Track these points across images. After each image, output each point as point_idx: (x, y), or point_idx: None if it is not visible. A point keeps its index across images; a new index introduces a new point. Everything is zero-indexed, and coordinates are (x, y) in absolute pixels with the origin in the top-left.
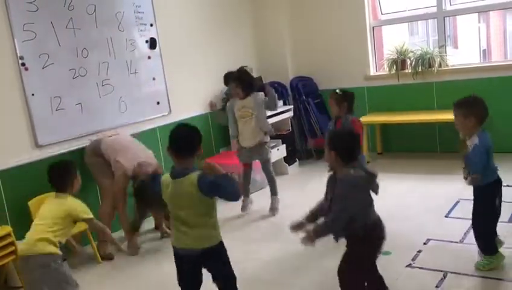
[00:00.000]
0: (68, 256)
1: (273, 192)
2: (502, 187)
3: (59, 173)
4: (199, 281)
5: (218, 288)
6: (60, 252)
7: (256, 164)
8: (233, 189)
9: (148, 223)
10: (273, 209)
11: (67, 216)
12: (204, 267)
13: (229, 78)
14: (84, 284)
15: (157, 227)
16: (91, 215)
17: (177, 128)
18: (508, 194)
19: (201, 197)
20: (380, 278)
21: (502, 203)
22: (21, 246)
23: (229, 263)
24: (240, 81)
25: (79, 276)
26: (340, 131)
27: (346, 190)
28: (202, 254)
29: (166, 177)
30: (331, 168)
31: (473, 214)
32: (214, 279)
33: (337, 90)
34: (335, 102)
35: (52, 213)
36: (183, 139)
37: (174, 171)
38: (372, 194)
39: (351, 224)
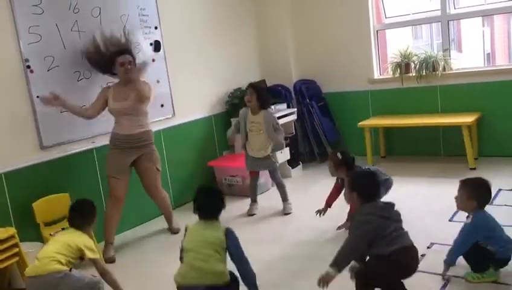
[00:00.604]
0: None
1: (284, 198)
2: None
3: (82, 214)
4: None
5: None
6: (66, 268)
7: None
8: (251, 274)
9: (155, 224)
10: (286, 210)
11: (78, 250)
12: None
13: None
14: None
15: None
16: (97, 256)
17: (202, 195)
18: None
19: (223, 244)
20: None
21: (506, 207)
22: (30, 266)
23: None
24: (257, 91)
25: None
26: (362, 173)
27: (354, 227)
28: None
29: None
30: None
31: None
32: None
33: (338, 154)
34: (333, 164)
35: (66, 240)
36: (210, 209)
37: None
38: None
39: (370, 250)
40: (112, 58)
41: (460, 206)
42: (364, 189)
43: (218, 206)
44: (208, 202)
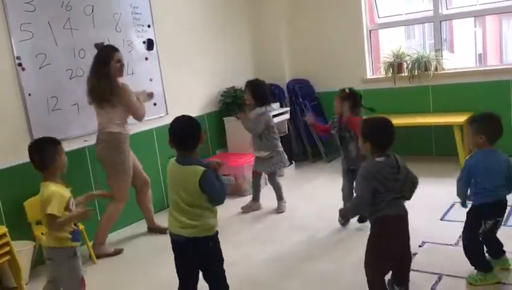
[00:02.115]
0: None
1: (279, 197)
2: (504, 211)
3: (40, 150)
4: (192, 274)
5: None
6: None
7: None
8: (222, 197)
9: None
10: (280, 208)
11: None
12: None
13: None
14: None
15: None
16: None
17: (178, 122)
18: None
19: (198, 188)
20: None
21: None
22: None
23: (221, 264)
24: (252, 89)
25: None
26: (377, 121)
27: (360, 175)
28: (188, 241)
29: (172, 161)
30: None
31: (463, 227)
32: (205, 277)
33: (346, 88)
34: (339, 98)
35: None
36: (185, 135)
37: (180, 158)
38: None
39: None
40: (108, 54)
41: (470, 144)
42: (379, 139)
43: (195, 136)
44: (185, 131)
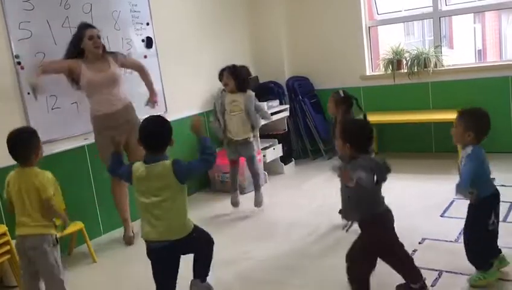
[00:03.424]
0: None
1: (257, 187)
2: (500, 202)
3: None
4: (175, 275)
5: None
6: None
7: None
8: (209, 164)
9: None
10: (258, 203)
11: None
12: (183, 254)
13: (226, 68)
14: (79, 284)
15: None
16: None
17: (148, 124)
18: (503, 193)
19: (174, 180)
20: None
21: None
22: None
23: (206, 235)
24: (235, 74)
25: (74, 275)
26: (355, 122)
27: (353, 169)
28: (170, 246)
29: (138, 163)
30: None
31: (465, 226)
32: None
33: (340, 91)
34: (334, 102)
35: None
36: (155, 138)
37: (147, 158)
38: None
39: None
40: (79, 33)
41: (457, 139)
42: (357, 139)
43: (165, 137)
44: (154, 131)
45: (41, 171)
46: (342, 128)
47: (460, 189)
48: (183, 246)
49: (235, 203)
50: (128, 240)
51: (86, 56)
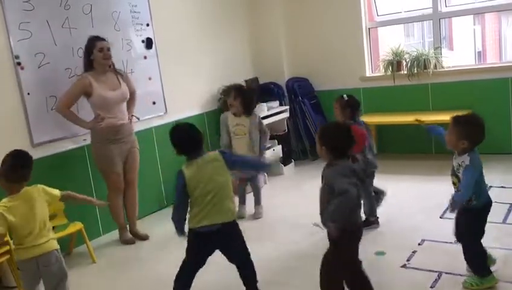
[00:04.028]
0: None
1: (257, 202)
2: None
3: (27, 164)
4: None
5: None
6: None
7: None
8: (261, 168)
9: (140, 224)
10: (258, 214)
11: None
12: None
13: (232, 89)
14: (79, 284)
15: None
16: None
17: (181, 134)
18: (502, 195)
19: (223, 166)
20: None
21: (496, 204)
22: None
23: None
24: (242, 96)
25: (74, 275)
26: (332, 125)
27: (333, 177)
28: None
29: (184, 166)
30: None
31: (463, 234)
32: (233, 257)
33: (344, 96)
34: (339, 107)
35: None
36: (196, 142)
37: (189, 157)
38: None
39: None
40: (90, 45)
41: (450, 145)
42: (334, 143)
43: (200, 137)
44: (193, 136)
45: (32, 187)
46: (319, 132)
47: (462, 200)
48: (229, 230)
49: (241, 215)
50: (129, 240)
51: (94, 68)
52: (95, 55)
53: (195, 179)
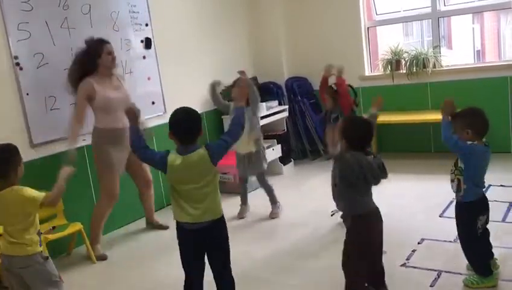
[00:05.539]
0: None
1: (273, 201)
2: (488, 209)
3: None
4: (202, 264)
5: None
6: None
7: None
8: (238, 135)
9: (139, 224)
10: (274, 214)
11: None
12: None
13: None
14: (79, 284)
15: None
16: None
17: (179, 115)
18: (502, 194)
19: (210, 166)
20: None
21: (496, 203)
22: None
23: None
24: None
25: (73, 276)
26: (354, 119)
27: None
28: (207, 226)
29: (173, 154)
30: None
31: (459, 234)
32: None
33: (332, 85)
34: (329, 96)
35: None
36: (189, 131)
37: (181, 150)
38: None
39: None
40: (97, 48)
41: (460, 138)
42: (356, 137)
43: (199, 128)
44: (191, 123)
45: (20, 188)
46: (341, 124)
47: (444, 137)
48: (217, 227)
49: (240, 214)
50: (102, 256)
51: (97, 71)
52: (104, 58)
53: (175, 178)
